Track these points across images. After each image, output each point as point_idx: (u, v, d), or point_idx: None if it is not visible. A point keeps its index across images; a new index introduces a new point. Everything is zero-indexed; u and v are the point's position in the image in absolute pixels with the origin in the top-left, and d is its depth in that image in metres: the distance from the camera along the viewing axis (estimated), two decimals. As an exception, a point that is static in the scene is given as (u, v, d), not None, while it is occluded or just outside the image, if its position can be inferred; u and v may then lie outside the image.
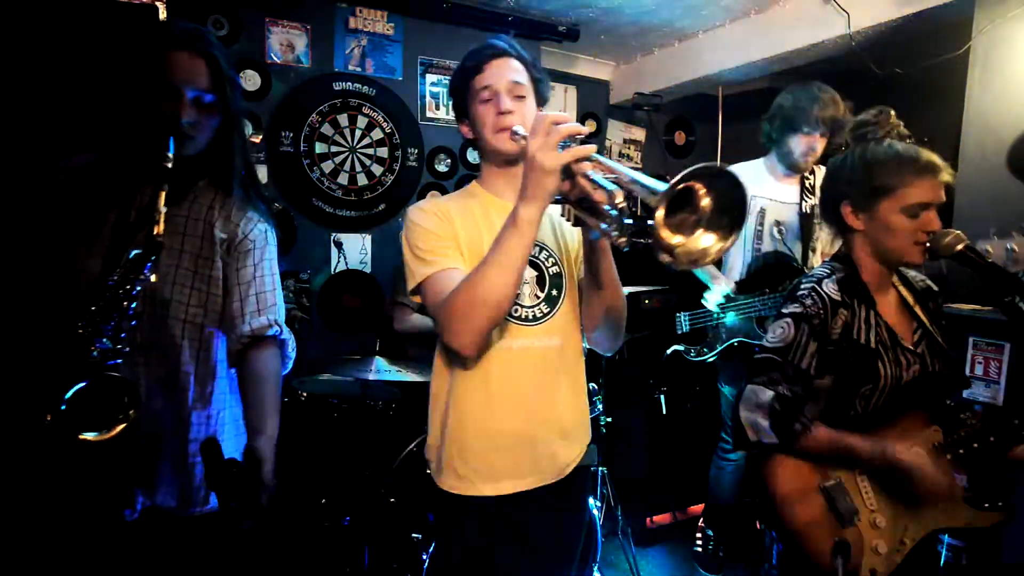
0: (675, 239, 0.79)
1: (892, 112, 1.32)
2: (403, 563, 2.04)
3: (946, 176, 1.24)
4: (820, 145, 2.23)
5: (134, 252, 1.06)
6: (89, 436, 1.01)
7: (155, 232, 1.05)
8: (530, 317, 1.18)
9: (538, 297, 1.19)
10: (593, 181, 0.91)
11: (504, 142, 1.15)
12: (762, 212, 2.37)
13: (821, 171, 2.34)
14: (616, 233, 0.84)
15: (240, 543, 1.36)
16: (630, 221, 0.83)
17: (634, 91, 3.56)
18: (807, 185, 2.33)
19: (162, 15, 2.43)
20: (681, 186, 0.75)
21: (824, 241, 2.33)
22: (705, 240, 0.81)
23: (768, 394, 1.24)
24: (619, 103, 3.77)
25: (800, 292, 1.30)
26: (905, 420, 1.28)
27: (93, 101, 2.08)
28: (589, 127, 0.87)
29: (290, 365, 1.34)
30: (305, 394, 2.23)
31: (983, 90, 2.13)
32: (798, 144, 2.23)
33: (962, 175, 2.16)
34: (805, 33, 2.63)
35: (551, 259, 1.22)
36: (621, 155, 3.93)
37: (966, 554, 1.99)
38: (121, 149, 1.20)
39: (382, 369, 2.03)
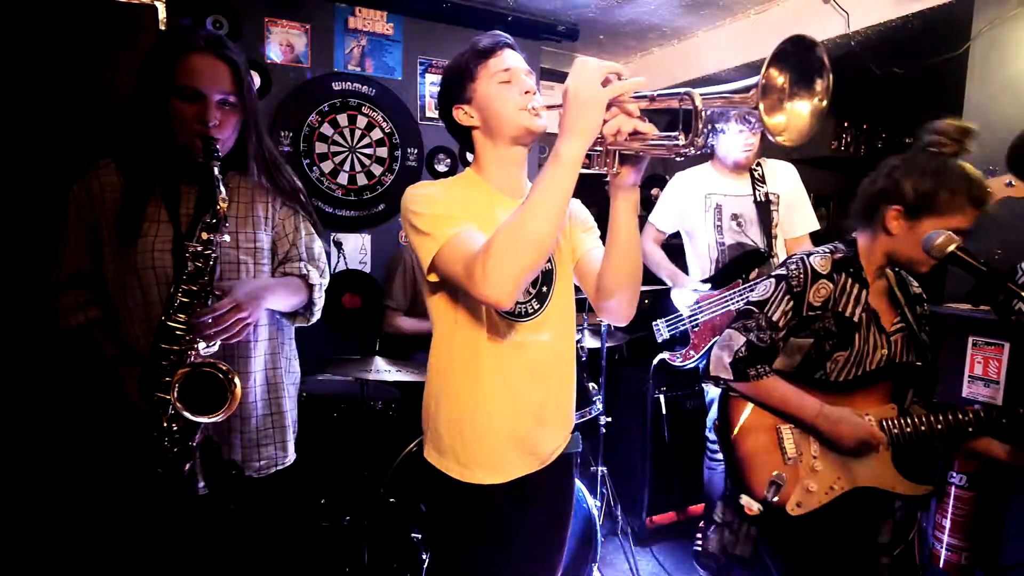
0: (777, 121, 0.84)
1: (977, 132, 1.30)
2: (403, 563, 2.04)
3: (988, 209, 1.28)
4: (753, 140, 2.32)
5: (204, 239, 1.18)
6: (202, 420, 1.15)
7: (218, 216, 1.17)
8: (521, 313, 1.19)
9: (529, 293, 1.20)
10: (653, 100, 0.94)
11: (529, 118, 1.15)
12: (719, 208, 2.42)
13: (767, 163, 2.44)
14: (682, 143, 0.90)
15: (239, 538, 1.36)
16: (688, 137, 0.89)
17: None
18: (756, 176, 2.41)
19: (162, 15, 2.43)
20: (764, 81, 0.80)
21: (783, 226, 2.41)
22: (801, 107, 0.85)
23: (741, 339, 1.42)
24: (619, 103, 3.78)
25: (789, 260, 1.45)
26: (866, 394, 1.42)
27: (93, 102, 2.08)
28: (625, 70, 0.87)
29: (315, 311, 1.46)
30: (305, 394, 2.23)
31: (982, 89, 2.13)
32: (733, 143, 2.33)
33: (961, 175, 2.17)
34: (805, 33, 2.63)
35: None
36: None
37: (967, 553, 2.00)
38: (149, 153, 1.26)
39: (382, 369, 2.03)
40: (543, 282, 1.22)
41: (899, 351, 1.44)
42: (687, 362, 2.47)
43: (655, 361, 2.60)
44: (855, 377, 1.43)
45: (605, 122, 0.95)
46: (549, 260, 1.23)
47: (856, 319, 1.39)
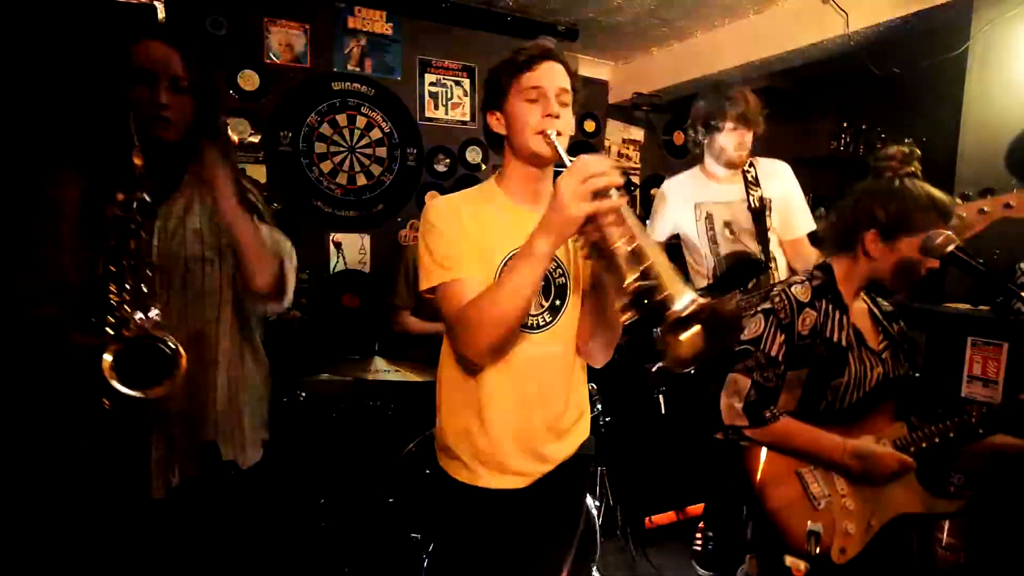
0: (673, 340, 0.90)
1: (918, 152, 1.40)
2: (403, 563, 2.04)
3: (954, 221, 1.37)
4: (748, 138, 2.25)
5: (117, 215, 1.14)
6: (132, 393, 1.09)
7: (134, 175, 1.14)
8: (533, 325, 1.20)
9: (542, 306, 1.21)
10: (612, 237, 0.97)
11: (541, 144, 1.15)
12: (709, 217, 2.36)
13: (760, 163, 2.35)
14: (624, 301, 0.94)
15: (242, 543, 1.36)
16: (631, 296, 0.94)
17: (633, 91, 3.56)
18: (749, 178, 2.32)
19: (160, 15, 2.43)
20: (697, 310, 0.86)
21: (780, 228, 2.35)
22: (694, 342, 0.91)
23: (746, 382, 1.41)
24: (618, 103, 3.78)
25: (772, 292, 1.48)
26: (873, 417, 1.42)
27: (92, 99, 2.08)
28: (619, 180, 0.89)
29: (287, 290, 1.41)
30: (304, 394, 2.22)
31: (981, 90, 2.13)
32: (727, 140, 2.25)
33: (960, 175, 2.16)
34: (804, 33, 2.63)
35: (559, 270, 1.23)
36: (620, 155, 3.93)
37: (965, 552, 2.00)
38: (105, 141, 1.26)
39: (382, 369, 2.03)
40: (556, 295, 1.22)
41: (892, 367, 1.47)
42: (684, 368, 2.47)
43: (653, 368, 2.60)
44: (858, 401, 1.43)
45: (584, 229, 1.00)
46: (564, 274, 1.24)
47: (844, 343, 1.41)
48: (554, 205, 0.99)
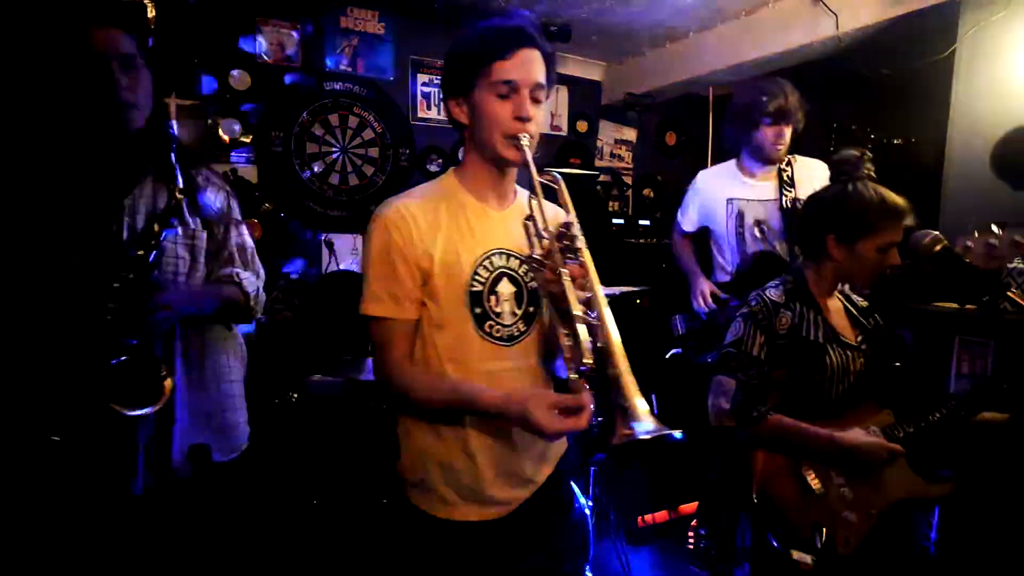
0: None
1: (870, 155, 1.45)
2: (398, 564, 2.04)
3: (909, 220, 1.40)
4: (787, 132, 2.22)
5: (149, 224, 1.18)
6: (136, 413, 1.11)
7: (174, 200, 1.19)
8: (506, 337, 1.10)
9: (515, 315, 1.11)
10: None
11: (510, 149, 1.03)
12: (740, 215, 2.35)
13: (799, 161, 2.32)
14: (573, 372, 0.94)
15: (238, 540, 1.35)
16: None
17: (625, 91, 3.57)
18: (785, 178, 2.29)
19: (151, 14, 2.41)
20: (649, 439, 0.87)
21: None
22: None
23: (732, 383, 1.45)
24: (610, 103, 3.79)
25: (749, 297, 1.53)
26: (859, 407, 1.47)
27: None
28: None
29: (255, 314, 1.42)
30: (297, 395, 2.22)
31: (968, 91, 2.16)
32: (765, 136, 2.22)
33: (947, 175, 2.19)
34: (794, 34, 2.65)
35: (529, 273, 1.11)
36: (612, 155, 3.95)
37: (954, 549, 2.01)
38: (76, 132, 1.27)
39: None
40: (530, 301, 1.12)
41: (872, 358, 1.51)
42: (700, 357, 2.46)
43: (668, 355, 2.60)
44: (844, 393, 1.46)
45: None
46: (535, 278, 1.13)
47: (822, 339, 1.46)
48: (522, 419, 0.94)
